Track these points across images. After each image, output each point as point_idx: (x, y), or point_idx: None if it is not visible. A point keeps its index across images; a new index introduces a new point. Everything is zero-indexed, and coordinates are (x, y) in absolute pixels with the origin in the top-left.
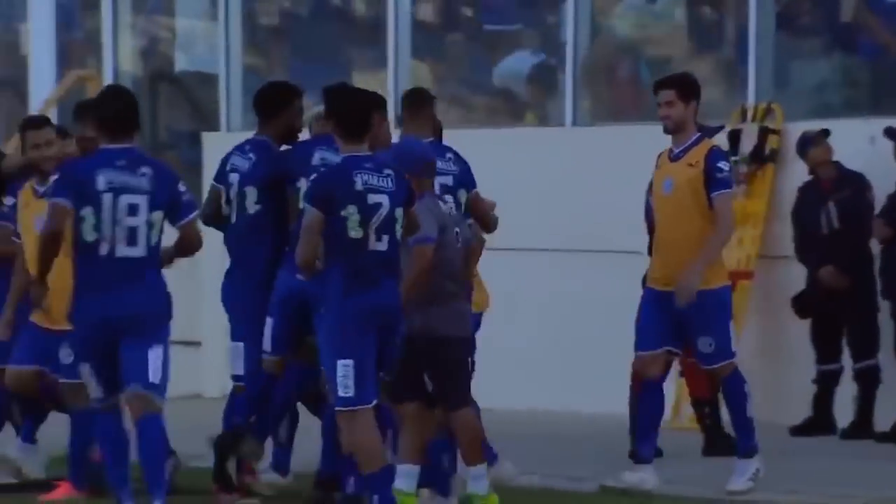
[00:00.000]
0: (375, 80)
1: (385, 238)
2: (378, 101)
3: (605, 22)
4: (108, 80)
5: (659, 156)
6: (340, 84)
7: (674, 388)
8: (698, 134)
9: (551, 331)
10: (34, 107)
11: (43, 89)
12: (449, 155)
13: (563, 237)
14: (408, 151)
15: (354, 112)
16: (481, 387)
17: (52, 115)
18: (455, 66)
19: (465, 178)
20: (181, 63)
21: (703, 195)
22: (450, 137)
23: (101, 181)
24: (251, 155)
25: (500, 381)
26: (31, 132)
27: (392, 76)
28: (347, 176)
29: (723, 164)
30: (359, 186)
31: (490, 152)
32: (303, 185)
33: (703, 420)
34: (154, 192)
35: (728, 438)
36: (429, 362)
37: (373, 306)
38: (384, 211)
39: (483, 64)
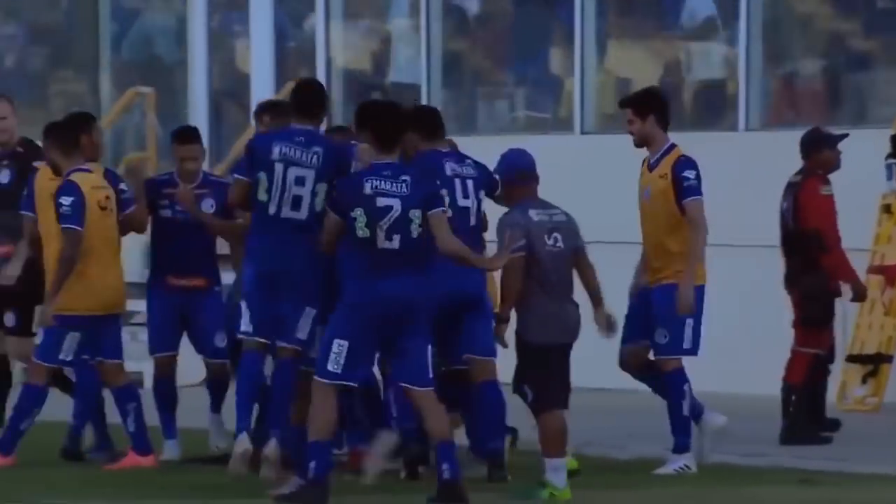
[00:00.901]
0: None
1: (396, 237)
2: (409, 115)
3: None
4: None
5: (642, 163)
6: (373, 100)
7: (840, 371)
8: (669, 143)
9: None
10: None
11: (263, 98)
12: (468, 161)
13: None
14: (509, 160)
15: (386, 126)
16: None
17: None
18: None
19: (485, 181)
20: (389, 69)
21: (674, 204)
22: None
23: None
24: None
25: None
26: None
27: (578, 68)
28: (358, 182)
29: (688, 173)
30: (367, 191)
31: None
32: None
33: (789, 406)
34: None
35: (810, 429)
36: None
37: (379, 298)
38: (395, 213)
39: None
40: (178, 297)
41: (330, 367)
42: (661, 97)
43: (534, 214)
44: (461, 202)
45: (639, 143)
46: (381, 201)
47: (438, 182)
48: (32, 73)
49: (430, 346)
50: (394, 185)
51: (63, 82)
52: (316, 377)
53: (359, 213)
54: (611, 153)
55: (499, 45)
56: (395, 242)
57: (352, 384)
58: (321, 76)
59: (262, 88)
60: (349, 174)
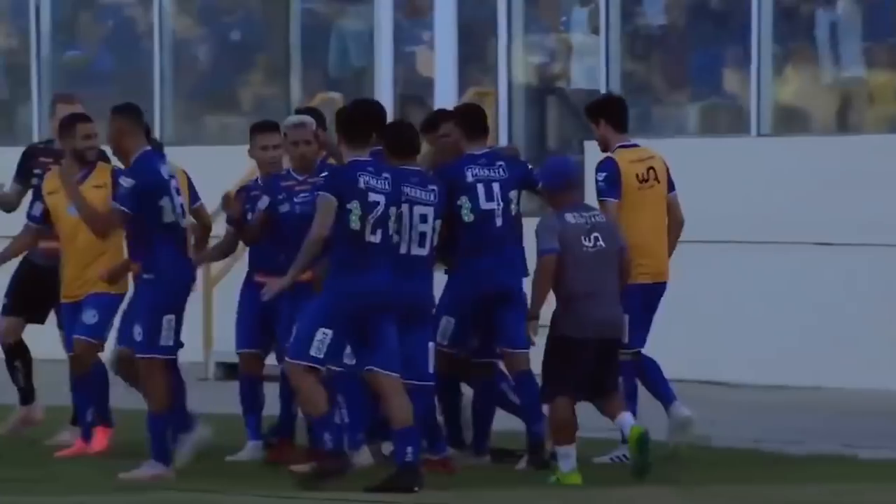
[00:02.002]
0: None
1: (379, 232)
2: (423, 125)
3: None
4: (502, 94)
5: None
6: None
7: None
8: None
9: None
10: None
11: (446, 105)
12: (500, 162)
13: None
14: (550, 168)
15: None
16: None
17: None
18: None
19: (520, 179)
20: (569, 76)
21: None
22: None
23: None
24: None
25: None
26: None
27: (755, 71)
28: (352, 175)
29: (598, 175)
30: (361, 185)
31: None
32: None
33: None
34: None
35: None
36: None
37: (367, 289)
38: (380, 209)
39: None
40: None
41: (313, 353)
42: (617, 103)
43: (569, 217)
44: (484, 206)
45: (601, 148)
46: (372, 196)
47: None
48: (224, 78)
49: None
50: (378, 181)
51: (253, 86)
52: (293, 360)
53: (354, 206)
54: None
55: (676, 61)
56: (378, 237)
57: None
58: (502, 82)
59: (446, 94)
60: (339, 166)
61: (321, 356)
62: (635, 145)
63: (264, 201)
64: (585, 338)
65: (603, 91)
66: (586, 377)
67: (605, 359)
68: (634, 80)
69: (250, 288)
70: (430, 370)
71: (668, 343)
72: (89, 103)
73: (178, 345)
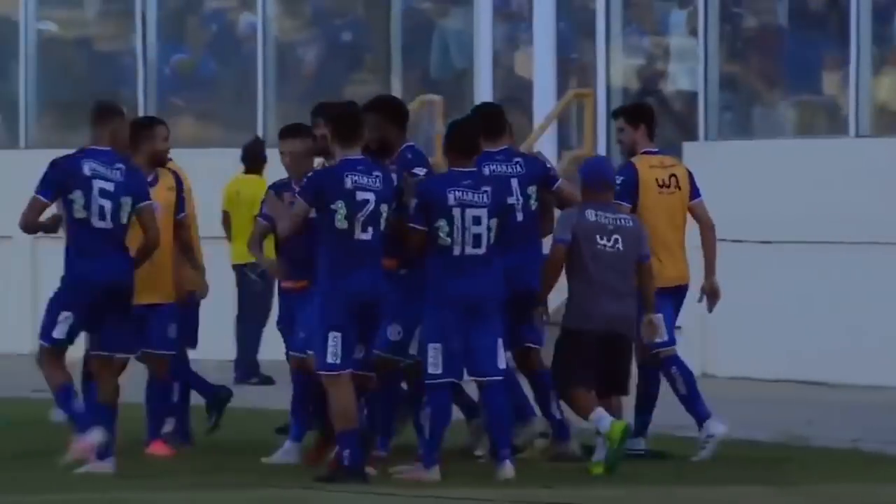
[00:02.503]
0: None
1: (370, 229)
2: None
3: None
4: (601, 96)
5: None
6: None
7: None
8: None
9: None
10: (536, 122)
11: (544, 106)
12: (517, 159)
13: None
14: (590, 165)
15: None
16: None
17: (552, 129)
18: None
19: (536, 176)
20: (667, 78)
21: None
22: None
23: None
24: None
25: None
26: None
27: (854, 71)
28: (339, 176)
29: (616, 179)
30: (349, 185)
31: None
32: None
33: None
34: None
35: None
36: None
37: (355, 287)
38: (370, 206)
39: None
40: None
41: (330, 360)
42: (653, 112)
43: (590, 214)
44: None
45: (626, 152)
46: (360, 195)
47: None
48: (328, 79)
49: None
50: (368, 179)
51: (356, 87)
52: (319, 372)
53: (339, 206)
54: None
55: (774, 62)
56: (369, 234)
57: (348, 372)
58: (600, 84)
59: (544, 95)
60: (325, 168)
61: (338, 361)
62: (659, 153)
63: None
64: (591, 329)
65: (701, 93)
66: (594, 372)
67: (613, 355)
68: (732, 82)
69: (280, 295)
70: (500, 365)
71: (766, 343)
72: (194, 106)
73: (70, 341)
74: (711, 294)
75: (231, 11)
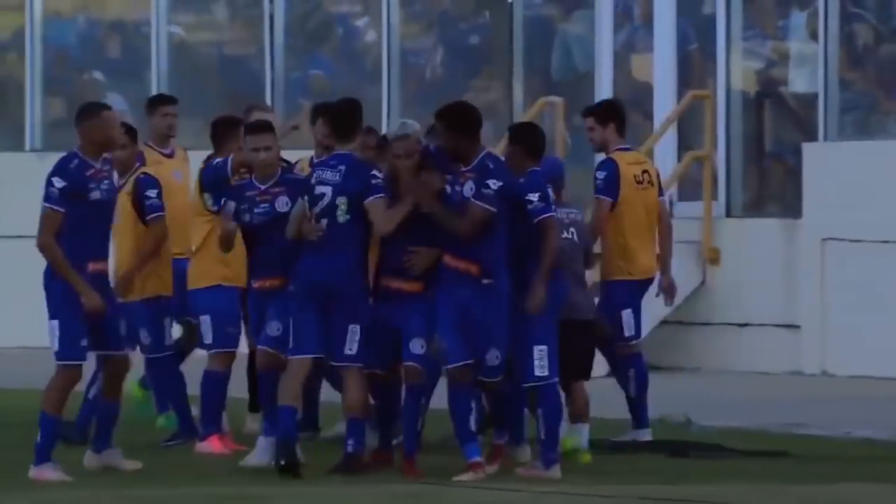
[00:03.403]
0: None
1: (323, 221)
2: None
3: None
4: (720, 98)
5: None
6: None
7: None
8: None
9: None
10: (657, 123)
11: (664, 108)
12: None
13: None
14: (549, 167)
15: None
16: None
17: (672, 130)
18: None
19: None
20: (787, 80)
21: None
22: None
23: None
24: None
25: None
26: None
27: None
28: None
29: (598, 174)
30: (312, 180)
31: None
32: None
33: None
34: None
35: None
36: None
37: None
38: (326, 199)
39: None
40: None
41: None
42: (623, 109)
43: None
44: None
45: (597, 149)
46: (319, 189)
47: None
48: (449, 83)
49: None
50: (331, 174)
51: (478, 91)
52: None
53: (305, 198)
54: None
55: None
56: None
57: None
58: (720, 86)
59: (664, 98)
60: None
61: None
62: (630, 149)
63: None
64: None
65: (821, 94)
66: (571, 355)
67: (571, 341)
68: (852, 84)
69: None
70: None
71: (886, 342)
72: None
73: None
74: (669, 289)
75: (355, 17)
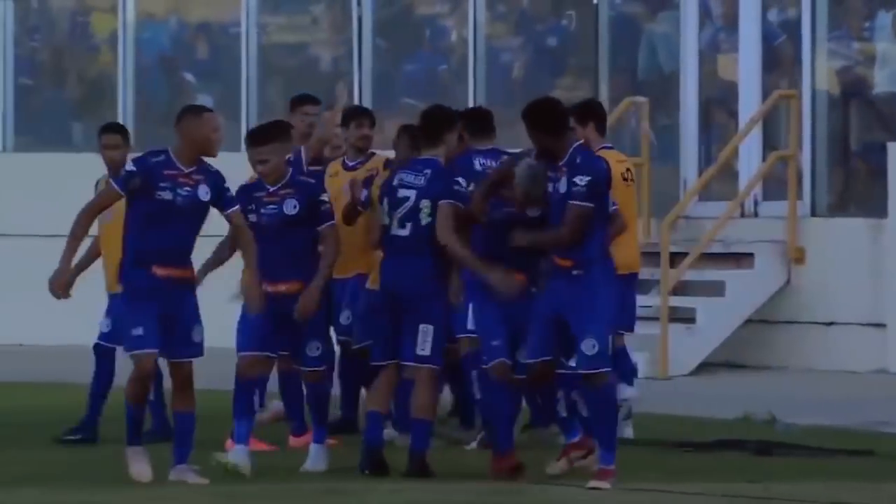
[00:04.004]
0: None
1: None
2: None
3: None
4: (806, 98)
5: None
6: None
7: None
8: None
9: None
10: (742, 123)
11: (749, 108)
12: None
13: None
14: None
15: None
16: None
17: (757, 130)
18: None
19: None
20: (873, 80)
21: None
22: None
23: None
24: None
25: None
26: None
27: None
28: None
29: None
30: (394, 182)
31: None
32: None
33: None
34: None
35: None
36: None
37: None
38: (410, 203)
39: None
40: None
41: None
42: (601, 107)
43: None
44: None
45: None
46: (401, 192)
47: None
48: (535, 83)
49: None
50: (416, 176)
51: (564, 90)
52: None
53: (384, 202)
54: None
55: None
56: (407, 230)
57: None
58: (806, 86)
59: (749, 97)
60: None
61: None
62: (612, 147)
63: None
64: None
65: None
66: None
67: None
68: None
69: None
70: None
71: None
72: (406, 109)
73: None
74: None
75: (441, 17)
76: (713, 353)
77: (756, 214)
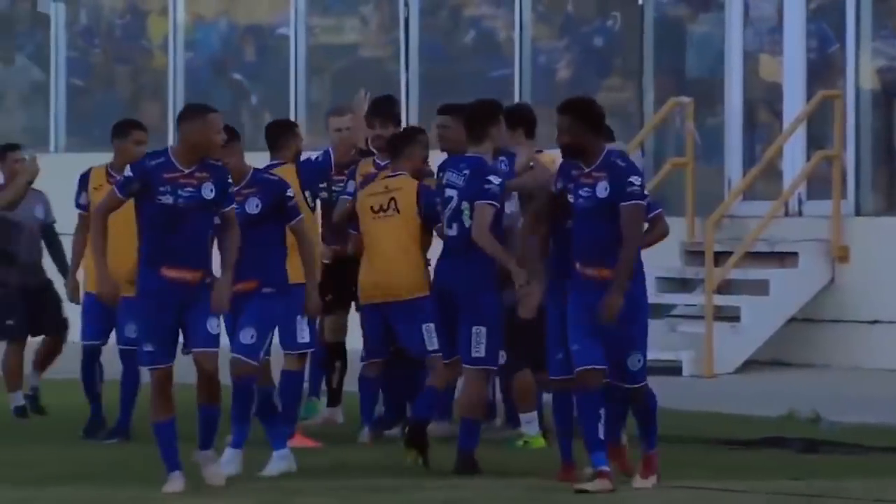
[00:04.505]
0: None
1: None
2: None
3: None
4: (850, 98)
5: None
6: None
7: None
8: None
9: None
10: (786, 123)
11: (793, 108)
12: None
13: None
14: None
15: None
16: None
17: (801, 130)
18: None
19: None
20: None
21: None
22: None
23: None
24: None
25: None
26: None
27: None
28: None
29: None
30: (443, 182)
31: None
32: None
33: None
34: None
35: None
36: None
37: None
38: (453, 203)
39: None
40: None
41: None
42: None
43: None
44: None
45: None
46: (447, 192)
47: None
48: (583, 84)
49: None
50: (457, 176)
51: (609, 91)
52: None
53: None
54: None
55: None
56: (454, 230)
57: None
58: (850, 86)
59: (794, 97)
60: None
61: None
62: (542, 150)
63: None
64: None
65: None
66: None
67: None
68: None
69: None
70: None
71: None
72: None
73: None
74: None
75: (488, 18)
76: (758, 352)
77: (800, 213)
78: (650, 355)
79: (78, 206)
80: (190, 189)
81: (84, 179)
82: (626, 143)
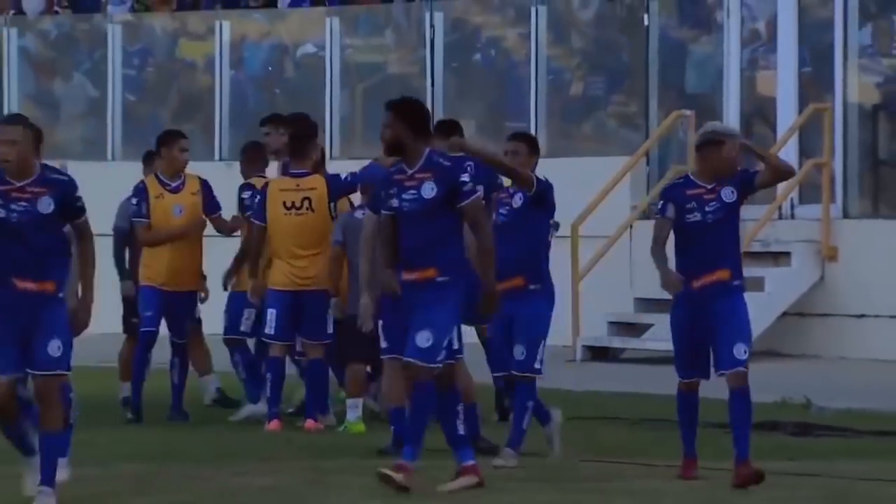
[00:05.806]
0: None
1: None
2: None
3: None
4: (838, 110)
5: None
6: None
7: None
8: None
9: None
10: (779, 133)
11: (786, 120)
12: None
13: None
14: (370, 173)
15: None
16: None
17: (793, 140)
18: None
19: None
20: None
21: None
22: None
23: None
24: None
25: None
26: None
27: None
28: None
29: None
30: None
31: None
32: None
33: None
34: None
35: None
36: None
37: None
38: None
39: None
40: None
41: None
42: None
43: (359, 214)
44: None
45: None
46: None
47: None
48: (592, 99)
49: None
50: None
51: (618, 105)
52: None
53: None
54: None
55: None
56: None
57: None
58: (838, 100)
59: (786, 111)
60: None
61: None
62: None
63: None
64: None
65: None
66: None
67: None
68: None
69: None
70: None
71: None
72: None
73: None
74: None
75: (506, 39)
76: (753, 343)
77: (793, 216)
78: (658, 346)
79: (141, 216)
80: (23, 203)
81: (143, 191)
82: (633, 152)
